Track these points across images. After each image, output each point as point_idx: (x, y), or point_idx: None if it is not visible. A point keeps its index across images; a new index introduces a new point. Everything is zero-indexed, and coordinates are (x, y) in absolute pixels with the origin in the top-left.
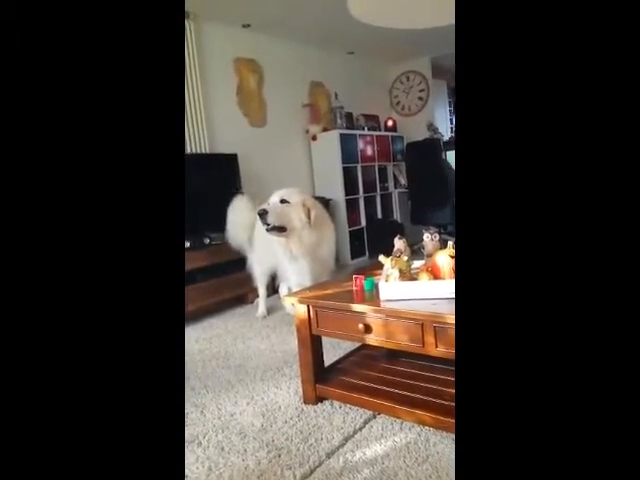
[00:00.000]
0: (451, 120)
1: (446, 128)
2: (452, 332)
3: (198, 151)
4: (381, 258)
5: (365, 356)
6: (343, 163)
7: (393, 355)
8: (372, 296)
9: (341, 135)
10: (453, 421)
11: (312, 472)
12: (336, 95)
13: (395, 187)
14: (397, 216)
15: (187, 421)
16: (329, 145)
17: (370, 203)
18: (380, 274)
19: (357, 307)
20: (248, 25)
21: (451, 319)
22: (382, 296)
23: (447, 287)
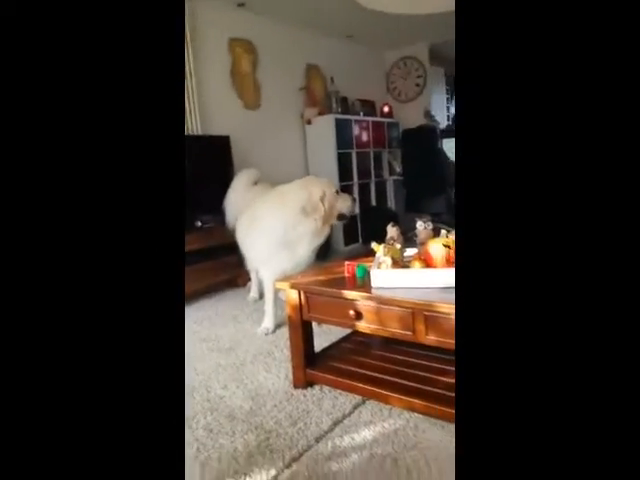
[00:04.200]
0: (448, 108)
1: (443, 116)
2: (443, 320)
3: (190, 133)
4: (374, 245)
5: (357, 343)
6: (338, 149)
7: (385, 342)
8: (364, 283)
9: (336, 120)
10: (443, 408)
11: (301, 456)
12: (332, 79)
13: (390, 174)
14: (392, 204)
15: None
16: (324, 130)
17: (364, 190)
18: (373, 261)
19: (348, 294)
20: (242, 4)
21: (442, 307)
22: (374, 283)
23: (439, 276)
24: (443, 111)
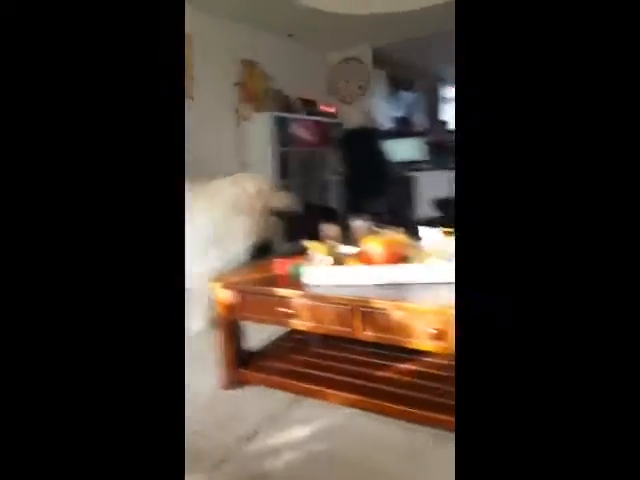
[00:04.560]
0: (389, 110)
1: (385, 118)
2: (379, 316)
3: None
4: (307, 243)
5: (294, 340)
6: (279, 147)
7: (324, 339)
8: (299, 281)
9: (275, 118)
10: (382, 402)
11: (230, 457)
12: (271, 77)
13: (332, 174)
14: (332, 203)
15: None
16: (262, 127)
17: (305, 189)
18: (308, 259)
19: (282, 291)
20: None
21: (378, 303)
22: (309, 281)
23: (375, 272)
24: (384, 113)
